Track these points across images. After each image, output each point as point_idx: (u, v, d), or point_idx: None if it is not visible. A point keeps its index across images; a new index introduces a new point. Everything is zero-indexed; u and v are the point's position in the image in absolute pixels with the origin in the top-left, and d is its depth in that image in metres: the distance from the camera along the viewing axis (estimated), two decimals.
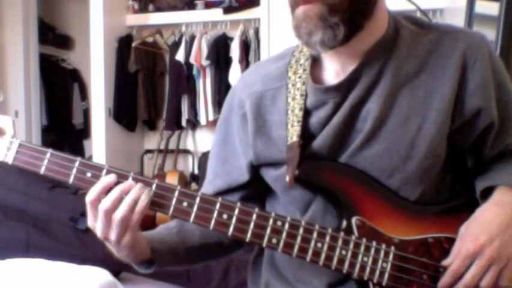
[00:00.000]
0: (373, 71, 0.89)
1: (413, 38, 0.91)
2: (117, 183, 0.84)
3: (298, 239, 0.85)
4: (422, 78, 0.89)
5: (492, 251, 0.83)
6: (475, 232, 0.85)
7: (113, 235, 0.83)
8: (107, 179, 0.84)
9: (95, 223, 0.84)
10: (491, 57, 0.90)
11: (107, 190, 0.83)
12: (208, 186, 1.03)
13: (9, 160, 0.87)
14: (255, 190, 1.02)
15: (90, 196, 0.83)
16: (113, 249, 0.89)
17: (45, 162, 0.86)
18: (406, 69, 0.89)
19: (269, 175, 0.97)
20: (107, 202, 0.82)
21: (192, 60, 3.72)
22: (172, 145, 4.03)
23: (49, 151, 0.87)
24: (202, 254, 1.03)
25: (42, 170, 0.86)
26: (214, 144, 1.05)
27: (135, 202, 0.83)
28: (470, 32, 0.96)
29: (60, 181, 0.87)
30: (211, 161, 1.05)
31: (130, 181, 0.85)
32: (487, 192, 0.91)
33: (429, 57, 0.89)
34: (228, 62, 3.70)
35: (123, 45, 3.84)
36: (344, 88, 0.89)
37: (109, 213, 0.82)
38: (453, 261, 0.86)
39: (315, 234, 0.86)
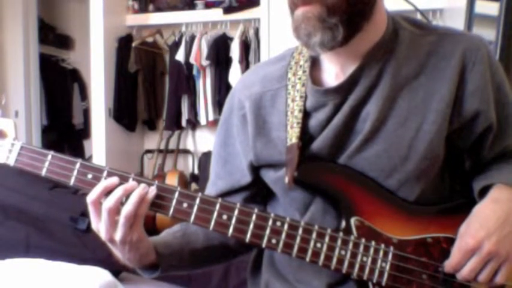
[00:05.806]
0: (373, 72, 0.89)
1: (413, 39, 0.91)
2: (118, 185, 0.84)
3: (298, 239, 0.86)
4: (422, 79, 0.89)
5: (491, 245, 0.84)
6: (474, 228, 0.86)
7: (118, 234, 0.83)
8: (110, 180, 0.84)
9: (99, 224, 0.84)
10: (490, 60, 0.90)
11: (108, 191, 0.84)
12: (211, 188, 1.04)
13: (11, 162, 0.88)
14: (258, 191, 1.02)
15: (91, 196, 0.83)
16: (118, 253, 0.88)
17: (47, 164, 0.87)
18: (406, 71, 0.89)
19: (269, 176, 0.98)
20: (110, 201, 0.82)
21: (192, 60, 3.72)
22: (172, 145, 4.03)
23: (50, 153, 0.87)
24: (207, 257, 1.03)
25: (43, 172, 0.87)
26: (215, 146, 1.05)
27: (141, 200, 0.83)
28: (469, 34, 0.96)
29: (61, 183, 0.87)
30: (213, 163, 1.05)
31: (132, 182, 0.85)
32: (485, 192, 0.91)
33: (428, 59, 0.90)
34: (228, 62, 3.70)
35: (123, 45, 3.83)
36: (344, 90, 0.90)
37: (113, 212, 0.82)
38: (453, 255, 0.86)
39: (314, 235, 0.86)
